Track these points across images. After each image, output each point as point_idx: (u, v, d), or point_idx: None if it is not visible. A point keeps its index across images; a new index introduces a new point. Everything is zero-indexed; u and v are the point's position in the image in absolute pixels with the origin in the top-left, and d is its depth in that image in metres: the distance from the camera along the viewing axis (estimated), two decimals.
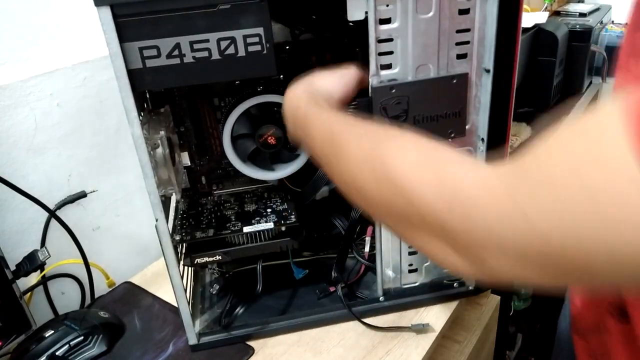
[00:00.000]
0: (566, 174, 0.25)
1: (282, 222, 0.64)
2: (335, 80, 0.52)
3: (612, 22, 1.37)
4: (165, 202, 0.62)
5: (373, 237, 0.69)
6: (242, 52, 0.50)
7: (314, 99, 0.48)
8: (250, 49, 0.50)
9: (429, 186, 0.32)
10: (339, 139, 0.41)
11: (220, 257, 0.64)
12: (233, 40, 0.49)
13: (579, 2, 1.41)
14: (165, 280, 0.63)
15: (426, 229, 0.33)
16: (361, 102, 0.54)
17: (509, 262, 0.28)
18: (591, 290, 0.26)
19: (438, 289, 0.69)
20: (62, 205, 0.73)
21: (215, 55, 0.49)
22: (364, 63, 0.53)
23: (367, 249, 0.73)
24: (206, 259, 0.64)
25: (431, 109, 0.55)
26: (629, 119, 0.22)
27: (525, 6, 1.20)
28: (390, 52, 0.52)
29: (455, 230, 0.30)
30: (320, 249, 0.79)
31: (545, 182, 0.26)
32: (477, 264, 0.30)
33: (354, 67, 0.53)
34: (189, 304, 0.62)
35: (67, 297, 0.77)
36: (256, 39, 0.49)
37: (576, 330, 0.52)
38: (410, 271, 0.67)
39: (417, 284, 0.68)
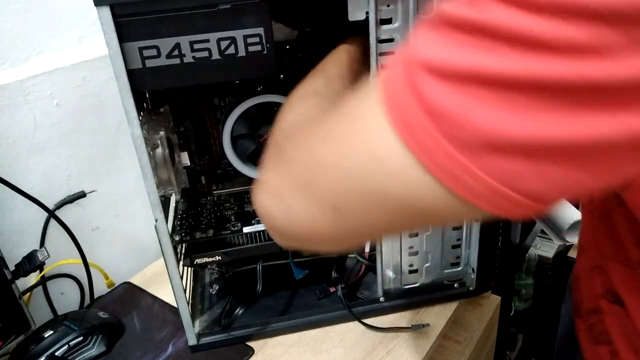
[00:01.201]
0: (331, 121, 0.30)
1: None
2: (342, 59, 0.52)
3: None
4: (165, 202, 0.61)
5: None
6: (242, 52, 0.50)
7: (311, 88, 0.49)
8: (251, 49, 0.49)
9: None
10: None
11: (220, 258, 0.64)
12: (233, 40, 0.49)
13: None
14: (164, 281, 0.63)
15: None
16: None
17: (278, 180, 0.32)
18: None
19: (438, 290, 0.69)
20: (61, 205, 0.73)
21: (216, 56, 0.49)
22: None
23: (367, 249, 0.73)
24: (206, 259, 0.64)
25: None
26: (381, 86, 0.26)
27: None
28: (391, 53, 0.52)
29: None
30: None
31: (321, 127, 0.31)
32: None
33: (354, 41, 0.54)
34: (188, 305, 0.62)
35: (67, 298, 0.77)
36: (256, 39, 0.49)
37: (577, 312, 0.53)
38: (410, 272, 0.67)
39: (417, 285, 0.68)
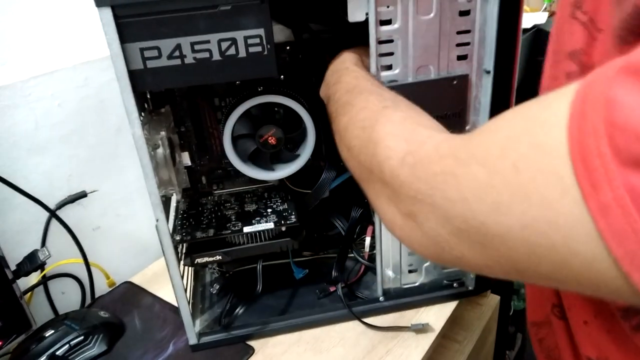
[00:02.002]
0: (500, 154, 0.26)
1: (283, 222, 0.65)
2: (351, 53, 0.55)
3: None
4: (166, 202, 0.62)
5: (373, 237, 0.69)
6: (242, 53, 0.50)
7: (360, 61, 0.53)
8: (251, 50, 0.50)
9: (394, 140, 0.36)
10: (353, 97, 0.46)
11: (220, 257, 0.65)
12: (234, 41, 0.49)
13: None
14: (165, 280, 0.64)
15: (379, 180, 0.36)
16: None
17: (437, 223, 0.30)
18: (521, 278, 0.29)
19: (438, 289, 0.69)
20: (62, 205, 0.73)
21: (216, 56, 0.49)
22: None
23: (367, 249, 0.73)
24: (206, 259, 0.64)
25: (431, 110, 0.55)
26: (572, 122, 0.22)
27: (524, 7, 1.20)
28: (391, 54, 0.53)
29: (398, 179, 0.33)
30: (320, 249, 0.79)
31: (479, 156, 0.27)
32: (411, 220, 0.33)
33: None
34: (189, 304, 0.62)
35: (68, 297, 0.77)
36: (257, 40, 0.49)
37: (531, 321, 0.52)
38: (410, 271, 0.67)
39: (417, 284, 0.69)
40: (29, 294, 0.71)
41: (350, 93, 0.48)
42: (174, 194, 0.63)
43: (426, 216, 0.31)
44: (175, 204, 0.71)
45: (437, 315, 0.68)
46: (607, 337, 0.38)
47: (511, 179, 0.25)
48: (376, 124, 0.39)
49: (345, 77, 0.51)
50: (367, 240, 0.73)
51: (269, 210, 0.67)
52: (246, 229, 0.64)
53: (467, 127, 0.57)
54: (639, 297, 0.22)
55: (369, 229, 0.71)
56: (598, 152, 0.21)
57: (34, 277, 0.72)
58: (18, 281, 0.65)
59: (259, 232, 0.64)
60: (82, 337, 0.65)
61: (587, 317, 0.40)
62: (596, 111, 0.21)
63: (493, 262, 0.28)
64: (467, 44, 0.53)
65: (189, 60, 0.49)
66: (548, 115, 0.24)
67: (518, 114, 0.27)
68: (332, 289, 0.72)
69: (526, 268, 0.26)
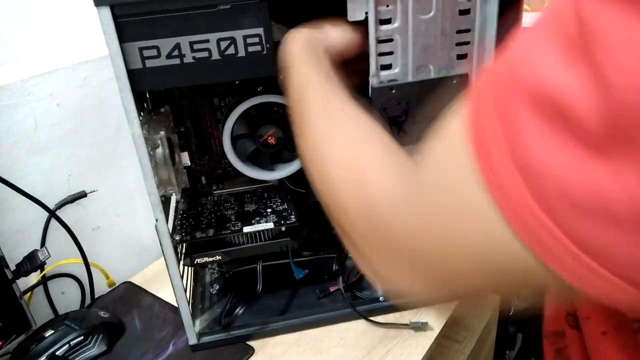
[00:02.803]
0: (434, 191, 0.28)
1: (282, 222, 0.64)
2: (342, 33, 0.52)
3: None
4: (165, 202, 0.62)
5: None
6: (242, 53, 0.50)
7: (311, 46, 0.49)
8: (250, 49, 0.50)
9: (346, 195, 0.35)
10: (305, 107, 0.43)
11: (220, 257, 0.64)
12: (233, 40, 0.49)
13: None
14: (165, 280, 0.64)
15: (343, 231, 0.37)
16: (361, 102, 0.54)
17: (392, 265, 0.32)
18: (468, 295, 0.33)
19: None
20: (62, 205, 0.73)
21: (215, 56, 0.49)
22: None
23: None
24: (206, 259, 0.64)
25: (431, 109, 0.55)
26: (468, 137, 0.25)
27: (525, 6, 1.19)
28: (390, 53, 0.52)
29: (355, 231, 0.34)
30: (320, 248, 0.79)
31: (424, 199, 0.29)
32: (370, 269, 0.35)
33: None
34: (189, 304, 0.62)
35: (67, 297, 0.77)
36: (256, 39, 0.49)
37: (545, 334, 0.51)
38: None
39: None
40: (29, 294, 0.71)
41: (301, 91, 0.46)
42: (174, 194, 0.63)
43: (381, 262, 0.34)
44: (175, 204, 0.71)
45: (437, 315, 0.68)
46: (623, 351, 0.37)
47: (431, 173, 0.29)
48: (326, 164, 0.38)
49: (296, 66, 0.48)
50: None
51: (269, 210, 0.67)
52: (246, 229, 0.64)
53: None
54: (541, 266, 0.22)
55: None
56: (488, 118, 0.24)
57: (34, 277, 0.71)
58: (18, 281, 0.65)
59: (259, 232, 0.64)
60: (82, 337, 0.65)
61: (606, 328, 0.39)
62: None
63: (436, 289, 0.31)
64: (467, 43, 0.53)
65: (188, 59, 0.49)
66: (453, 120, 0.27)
67: (435, 158, 0.30)
68: (332, 288, 0.71)
69: (463, 284, 0.29)
